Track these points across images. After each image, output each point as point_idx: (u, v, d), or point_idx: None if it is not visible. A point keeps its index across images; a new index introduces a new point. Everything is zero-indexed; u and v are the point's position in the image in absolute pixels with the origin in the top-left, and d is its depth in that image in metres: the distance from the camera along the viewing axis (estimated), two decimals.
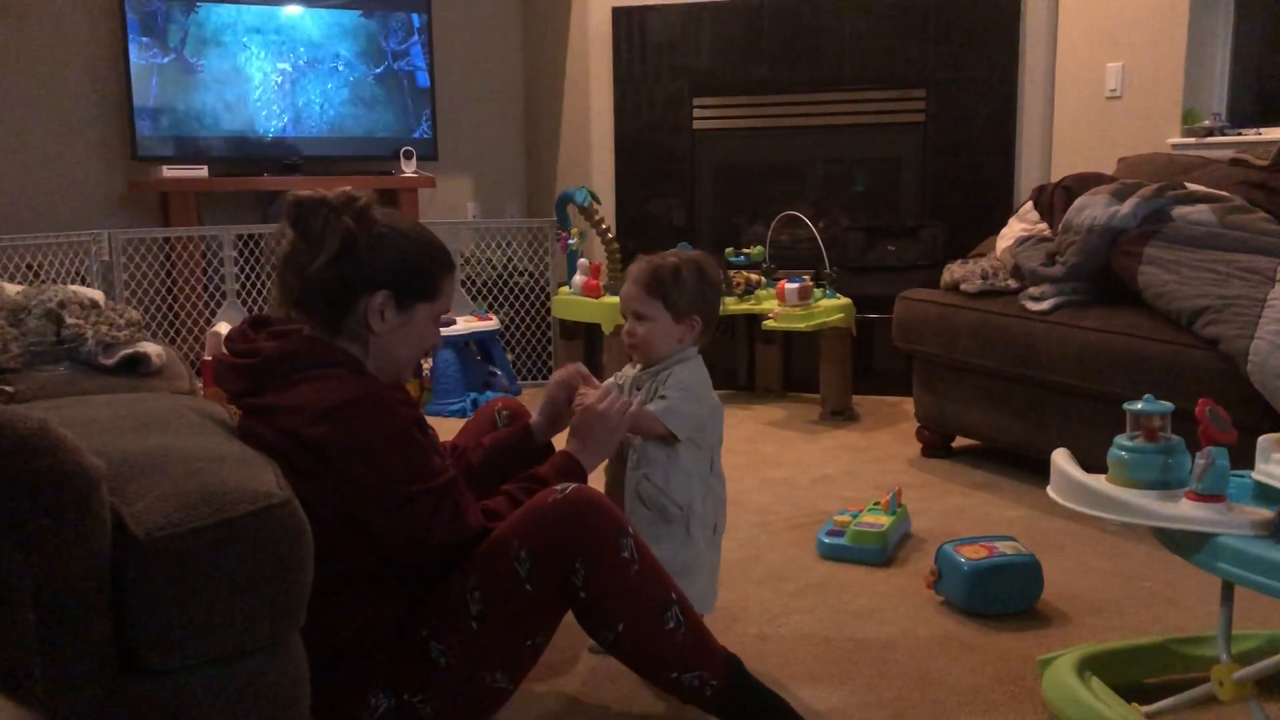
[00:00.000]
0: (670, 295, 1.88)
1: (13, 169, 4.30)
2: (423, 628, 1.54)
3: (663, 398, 1.86)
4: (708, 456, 1.91)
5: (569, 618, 1.59)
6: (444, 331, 4.04)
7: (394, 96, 4.73)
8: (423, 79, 4.77)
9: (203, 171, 4.30)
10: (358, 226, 1.57)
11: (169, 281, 4.23)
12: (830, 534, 2.49)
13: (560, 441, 1.89)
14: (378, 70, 4.68)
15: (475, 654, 1.54)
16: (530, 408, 1.99)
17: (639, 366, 1.97)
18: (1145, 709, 1.62)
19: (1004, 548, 2.19)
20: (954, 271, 3.23)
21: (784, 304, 3.74)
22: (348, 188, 1.62)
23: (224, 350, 1.61)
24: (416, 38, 4.74)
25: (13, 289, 2.53)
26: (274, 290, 1.64)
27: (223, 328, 3.71)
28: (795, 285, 3.73)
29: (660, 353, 1.91)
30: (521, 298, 4.62)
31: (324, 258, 1.55)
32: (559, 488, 1.57)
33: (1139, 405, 1.58)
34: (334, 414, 1.48)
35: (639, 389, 1.93)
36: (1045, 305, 2.89)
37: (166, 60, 4.29)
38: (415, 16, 4.73)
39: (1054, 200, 3.09)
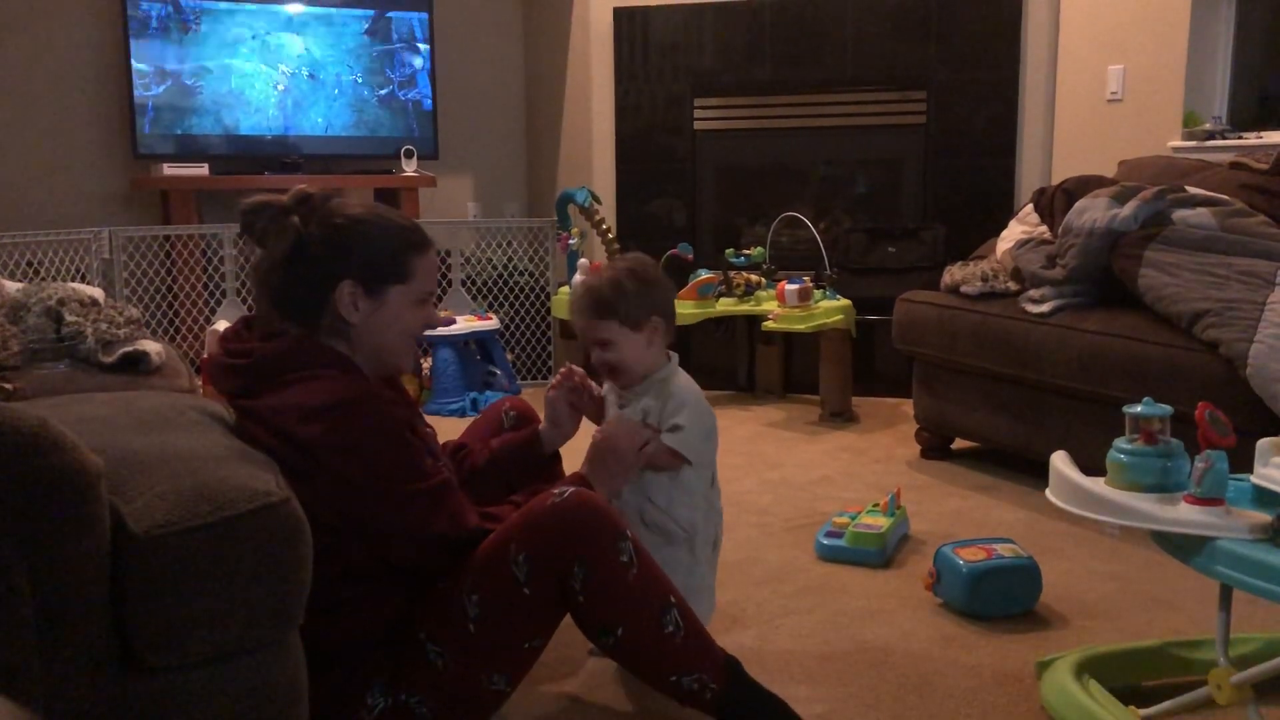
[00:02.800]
0: (620, 309, 1.81)
1: (13, 166, 4.30)
2: (420, 629, 1.54)
3: (676, 428, 1.80)
4: (709, 473, 1.88)
5: (568, 619, 1.59)
6: (444, 331, 4.05)
7: (398, 117, 4.74)
8: (428, 105, 4.78)
9: (203, 170, 4.30)
10: (306, 223, 1.56)
11: (169, 279, 4.23)
12: (829, 535, 2.49)
13: (567, 451, 1.89)
14: (382, 93, 4.69)
15: (473, 656, 1.53)
16: (532, 408, 1.98)
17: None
18: (1143, 712, 1.63)
19: (1003, 550, 2.19)
20: (954, 274, 3.23)
21: (784, 305, 3.74)
22: (302, 185, 1.61)
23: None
24: (419, 41, 4.74)
25: (13, 286, 2.53)
26: (255, 301, 1.64)
27: (222, 326, 3.71)
28: (795, 286, 3.73)
29: (638, 369, 1.85)
30: (522, 297, 4.62)
31: (275, 260, 1.56)
32: (557, 491, 1.57)
33: (1138, 408, 1.58)
34: (325, 414, 1.48)
35: (622, 407, 1.88)
36: (1045, 308, 2.89)
37: (168, 59, 4.28)
38: (417, 16, 4.73)
39: (1054, 203, 3.09)
